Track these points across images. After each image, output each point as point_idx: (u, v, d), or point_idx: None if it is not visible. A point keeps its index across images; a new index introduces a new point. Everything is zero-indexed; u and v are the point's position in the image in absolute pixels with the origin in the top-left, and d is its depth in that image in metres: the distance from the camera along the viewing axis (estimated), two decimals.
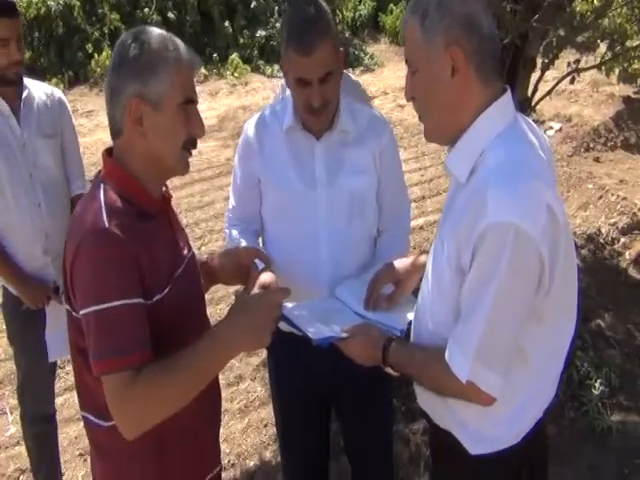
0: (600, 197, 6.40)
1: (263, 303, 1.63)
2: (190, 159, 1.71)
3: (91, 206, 1.58)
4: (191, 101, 1.65)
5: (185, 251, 1.80)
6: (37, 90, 2.84)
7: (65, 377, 3.70)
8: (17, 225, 2.76)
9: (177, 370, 1.53)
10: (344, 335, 1.79)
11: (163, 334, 1.60)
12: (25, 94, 2.77)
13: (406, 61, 1.61)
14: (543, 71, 3.62)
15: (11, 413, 3.84)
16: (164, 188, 1.76)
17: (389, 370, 1.73)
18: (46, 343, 2.82)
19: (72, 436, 3.61)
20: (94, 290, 1.52)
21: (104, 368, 1.51)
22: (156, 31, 1.63)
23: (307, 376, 2.33)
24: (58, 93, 2.94)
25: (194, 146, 1.69)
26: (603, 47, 3.85)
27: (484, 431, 1.64)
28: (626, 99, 8.68)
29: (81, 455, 3.51)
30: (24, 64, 2.76)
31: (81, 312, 1.54)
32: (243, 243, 2.27)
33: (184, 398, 1.58)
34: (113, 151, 1.69)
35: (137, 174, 1.65)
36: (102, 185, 1.62)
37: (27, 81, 2.82)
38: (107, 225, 1.52)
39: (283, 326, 2.02)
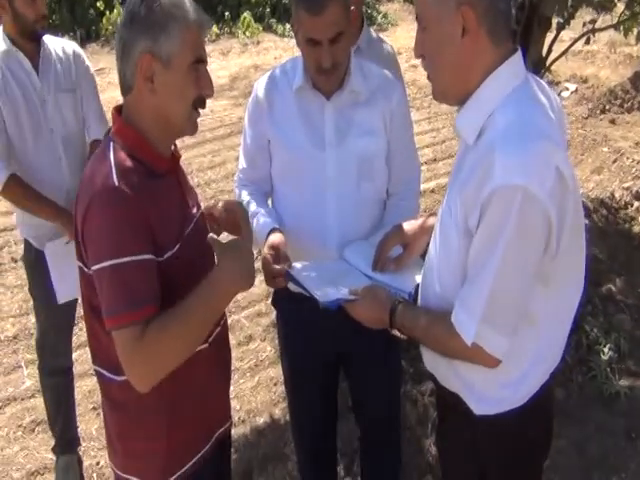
0: (615, 160, 6.33)
1: (236, 246, 1.65)
2: (201, 118, 1.72)
3: (101, 165, 1.60)
4: (201, 61, 1.64)
5: (194, 210, 1.82)
6: (54, 45, 2.85)
7: (79, 333, 3.74)
8: (39, 181, 2.78)
9: (180, 317, 1.56)
10: (351, 297, 1.80)
11: (174, 290, 1.62)
12: (43, 50, 2.79)
13: (417, 17, 1.58)
14: (558, 31, 3.55)
15: (26, 367, 3.91)
16: (173, 147, 1.77)
17: (396, 332, 1.74)
18: (53, 286, 2.86)
19: (85, 390, 3.68)
20: (105, 247, 1.54)
21: (116, 322, 1.54)
22: None
23: (314, 337, 2.35)
24: (75, 47, 2.95)
25: (203, 106, 1.69)
26: (621, 6, 3.76)
27: (490, 393, 1.64)
28: None
29: (94, 409, 3.58)
30: (47, 18, 2.78)
31: (93, 268, 1.56)
32: (252, 205, 2.27)
33: (191, 344, 1.62)
34: (122, 109, 1.69)
35: (146, 132, 1.65)
36: (111, 144, 1.63)
37: (46, 37, 2.83)
38: (117, 184, 1.54)
39: (292, 287, 2.03)
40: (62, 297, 2.90)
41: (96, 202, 1.55)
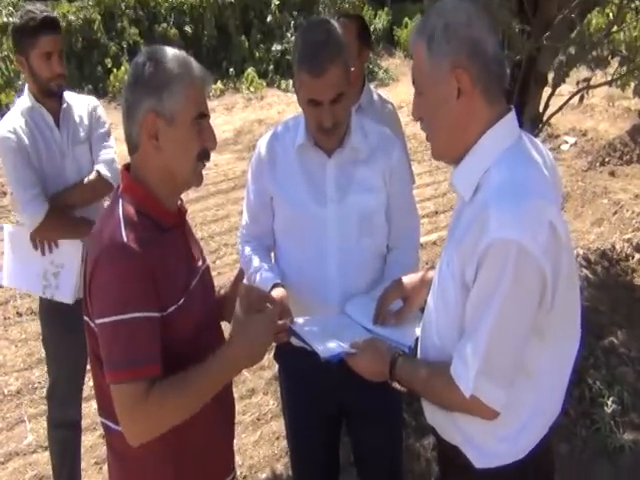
0: (615, 212, 6.38)
1: (260, 324, 1.71)
2: (205, 172, 1.78)
3: (110, 220, 1.65)
4: (204, 115, 1.71)
5: (199, 263, 1.86)
6: (75, 101, 2.97)
7: (83, 387, 3.74)
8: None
9: (188, 386, 1.61)
10: (352, 351, 1.82)
11: (179, 343, 1.67)
12: (64, 106, 2.91)
13: (413, 81, 1.65)
14: (554, 87, 3.63)
15: (29, 421, 3.90)
16: (179, 202, 1.82)
17: (396, 385, 1.76)
18: (65, 339, 2.91)
19: (88, 445, 3.65)
20: (111, 301, 1.58)
21: (117, 378, 1.58)
22: (170, 50, 1.69)
23: (316, 391, 2.36)
24: (93, 101, 3.07)
25: (207, 158, 1.75)
26: (615, 63, 3.86)
27: (490, 446, 1.66)
28: None
29: (97, 464, 3.56)
30: (65, 77, 2.89)
31: (97, 322, 1.60)
32: (255, 260, 2.31)
33: (193, 410, 1.66)
34: (130, 166, 1.75)
35: (153, 188, 1.71)
36: (120, 200, 1.69)
37: (67, 94, 2.95)
38: (125, 239, 1.59)
39: (294, 341, 2.05)
40: (8, 282, 3.03)
41: (104, 257, 1.60)
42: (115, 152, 3.02)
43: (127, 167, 1.76)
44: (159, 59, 1.65)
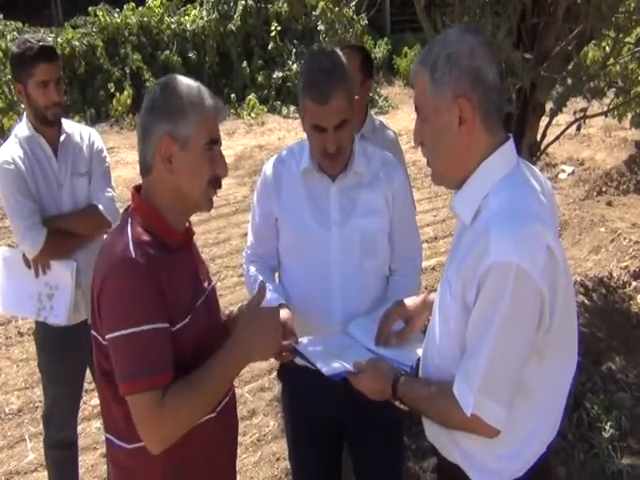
0: (612, 240, 6.44)
1: (267, 317, 1.79)
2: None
3: (119, 238, 1.71)
4: (215, 142, 1.77)
5: (205, 283, 1.92)
6: (73, 131, 2.99)
7: (83, 406, 3.76)
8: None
9: (199, 384, 1.66)
10: (355, 370, 1.86)
11: (184, 362, 1.70)
12: (63, 137, 2.93)
13: (415, 108, 1.70)
14: (551, 117, 3.71)
15: (30, 440, 3.92)
16: (187, 224, 1.87)
17: (398, 404, 1.80)
18: (61, 361, 2.94)
19: (89, 464, 3.67)
20: (121, 315, 1.63)
21: (131, 389, 1.62)
22: (185, 80, 1.77)
23: (318, 412, 2.39)
24: (91, 132, 3.08)
25: (219, 185, 1.81)
26: (611, 94, 3.95)
27: (489, 464, 1.69)
28: (639, 143, 8.75)
29: None
30: (63, 106, 2.91)
31: (108, 336, 1.65)
32: (260, 280, 2.35)
33: (206, 409, 1.74)
34: (142, 188, 1.81)
35: (163, 210, 1.77)
36: (130, 219, 1.75)
37: (65, 123, 2.98)
38: (133, 255, 1.65)
39: (298, 361, 2.10)
40: (3, 309, 3.07)
41: (113, 272, 1.65)
42: (114, 191, 3.07)
43: (138, 189, 1.82)
44: (175, 87, 1.73)
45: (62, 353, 2.94)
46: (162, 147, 1.71)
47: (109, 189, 3.04)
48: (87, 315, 2.81)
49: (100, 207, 2.95)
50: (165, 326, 1.66)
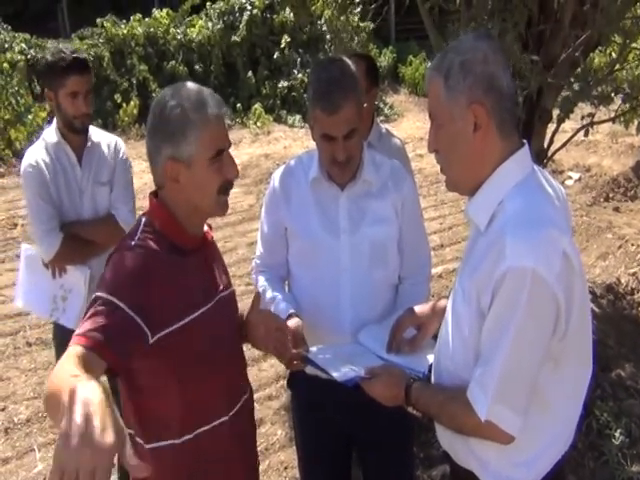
0: (620, 247, 6.43)
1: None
2: None
3: (129, 234, 1.78)
4: (222, 151, 1.78)
5: (220, 288, 1.93)
6: (100, 141, 3.07)
7: None
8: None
9: None
10: (367, 376, 1.86)
11: (186, 364, 1.73)
12: (89, 145, 3.01)
13: (430, 115, 1.70)
14: (558, 124, 3.72)
15: (39, 450, 3.92)
16: (207, 227, 1.91)
17: (411, 409, 1.80)
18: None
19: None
20: (106, 280, 1.69)
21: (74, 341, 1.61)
22: (186, 90, 1.75)
23: (327, 421, 2.39)
24: (117, 141, 3.15)
25: (230, 187, 1.83)
26: (618, 100, 3.95)
27: (504, 471, 1.69)
28: None
29: None
30: (91, 116, 2.99)
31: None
32: (270, 291, 2.36)
33: None
34: (158, 194, 1.84)
35: (178, 216, 1.80)
36: (143, 219, 1.80)
37: (92, 131, 3.05)
38: (132, 244, 1.73)
39: (308, 369, 2.10)
40: (21, 303, 3.14)
41: (114, 255, 1.73)
42: (135, 201, 3.13)
43: (155, 193, 1.85)
44: (174, 105, 1.72)
45: None
46: (167, 170, 1.74)
47: (130, 199, 3.09)
48: None
49: (118, 217, 3.01)
50: (129, 314, 1.64)
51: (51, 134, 2.99)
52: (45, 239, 2.91)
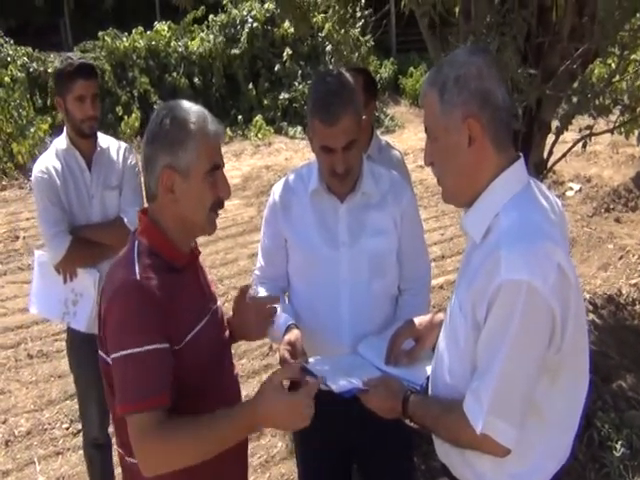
0: (621, 257, 6.43)
1: (297, 404, 1.71)
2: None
3: (125, 260, 1.76)
4: (217, 167, 1.80)
5: (211, 303, 1.94)
6: (109, 146, 3.13)
7: None
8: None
9: (205, 429, 1.67)
10: (365, 388, 1.87)
11: (188, 380, 1.73)
12: (98, 150, 3.07)
13: (425, 129, 1.72)
14: (557, 135, 3.73)
15: (39, 463, 3.92)
16: (193, 244, 1.91)
17: (408, 422, 1.80)
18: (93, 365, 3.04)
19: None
20: (124, 336, 1.67)
21: (128, 409, 1.65)
22: (185, 106, 1.78)
23: (328, 433, 2.38)
24: (125, 147, 3.21)
25: (221, 206, 1.84)
26: (617, 111, 3.96)
27: None
28: None
29: None
30: (98, 120, 3.07)
31: (112, 357, 1.68)
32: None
33: (200, 454, 1.69)
34: (148, 211, 1.84)
35: (168, 232, 1.80)
36: (136, 242, 1.79)
37: (101, 137, 3.11)
38: (138, 277, 1.69)
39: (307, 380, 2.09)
40: (33, 309, 3.20)
41: (118, 294, 1.69)
42: (143, 206, 3.13)
43: (145, 211, 1.86)
44: (175, 116, 1.74)
45: (86, 357, 2.98)
46: (163, 178, 1.75)
47: (138, 203, 3.12)
48: None
49: (126, 220, 3.04)
50: (165, 347, 1.68)
51: (61, 141, 3.07)
52: (52, 242, 2.97)
